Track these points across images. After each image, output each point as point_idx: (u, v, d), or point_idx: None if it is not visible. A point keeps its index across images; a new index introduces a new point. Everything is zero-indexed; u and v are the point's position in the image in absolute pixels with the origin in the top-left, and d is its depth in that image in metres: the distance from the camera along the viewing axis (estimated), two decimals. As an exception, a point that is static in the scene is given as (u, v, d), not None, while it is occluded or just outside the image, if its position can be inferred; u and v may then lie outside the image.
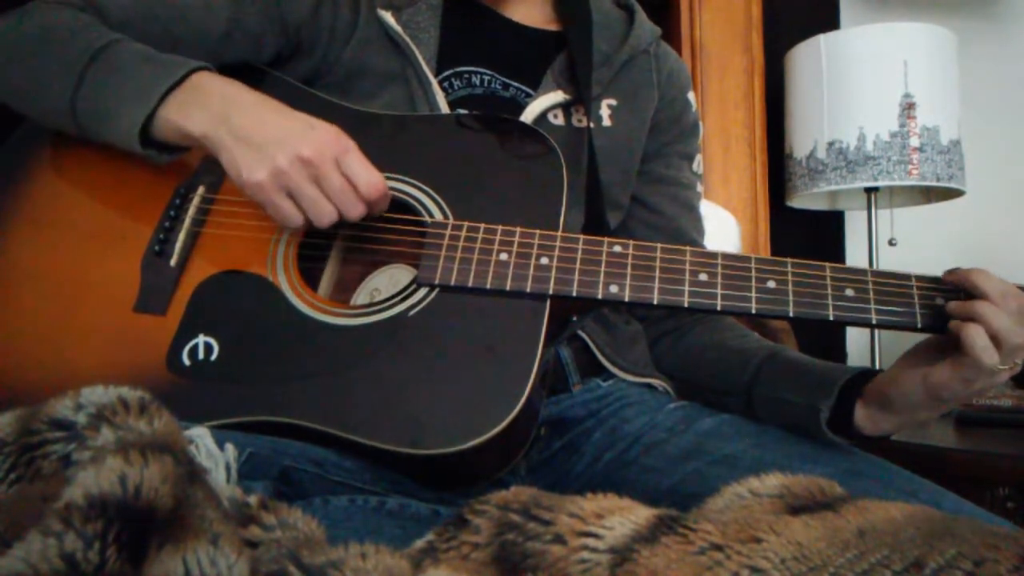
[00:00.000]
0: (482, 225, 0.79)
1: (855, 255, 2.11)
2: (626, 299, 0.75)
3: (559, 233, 0.78)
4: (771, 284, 0.75)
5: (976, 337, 0.68)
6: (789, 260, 0.75)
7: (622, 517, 0.50)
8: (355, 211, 0.78)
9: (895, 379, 0.76)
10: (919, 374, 0.73)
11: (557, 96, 0.95)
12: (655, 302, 0.75)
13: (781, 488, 0.57)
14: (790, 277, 0.75)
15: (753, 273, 0.75)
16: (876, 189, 1.80)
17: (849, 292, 0.74)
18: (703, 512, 0.56)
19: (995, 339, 0.68)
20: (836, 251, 2.13)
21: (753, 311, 0.74)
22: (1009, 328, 0.68)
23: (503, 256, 0.77)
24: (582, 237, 0.78)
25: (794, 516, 0.52)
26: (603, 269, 0.76)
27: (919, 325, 0.73)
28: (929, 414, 0.76)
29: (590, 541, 0.49)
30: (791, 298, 0.74)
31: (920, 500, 0.72)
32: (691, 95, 1.09)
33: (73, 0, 0.88)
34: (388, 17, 0.95)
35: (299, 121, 0.78)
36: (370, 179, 0.77)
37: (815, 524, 0.50)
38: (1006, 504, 1.25)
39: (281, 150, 0.75)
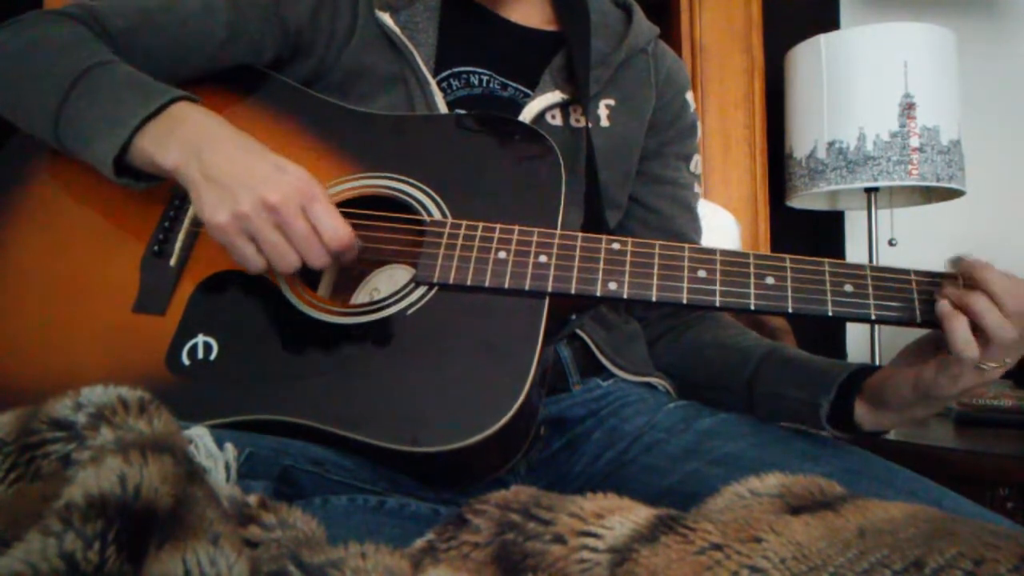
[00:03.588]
0: (480, 223, 0.79)
1: (855, 255, 2.11)
2: (625, 296, 0.75)
3: (557, 231, 0.78)
4: (770, 280, 0.75)
5: (958, 330, 0.67)
6: (788, 256, 0.75)
7: (622, 517, 0.50)
8: (319, 260, 0.76)
9: (890, 377, 0.76)
10: (911, 373, 0.73)
11: (555, 96, 0.95)
12: (654, 299, 0.75)
13: (781, 488, 0.57)
14: (789, 273, 0.75)
15: (752, 269, 0.75)
16: (876, 189, 1.80)
17: (848, 288, 0.74)
18: (703, 512, 0.56)
19: (985, 334, 0.67)
20: (836, 251, 2.13)
21: (752, 307, 0.74)
22: (999, 324, 0.66)
23: (501, 254, 0.77)
24: (580, 235, 0.78)
25: (794, 516, 0.52)
26: (602, 267, 0.76)
27: (918, 320, 0.73)
28: (925, 412, 0.76)
29: (590, 541, 0.49)
30: (790, 294, 0.74)
31: (920, 499, 0.72)
32: (689, 95, 1.09)
33: (73, 11, 0.88)
34: (386, 18, 0.95)
35: (269, 163, 0.76)
36: (336, 229, 0.75)
37: (815, 524, 0.50)
38: (1006, 504, 1.25)
39: (246, 193, 0.73)
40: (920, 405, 0.74)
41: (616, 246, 0.77)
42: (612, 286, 0.76)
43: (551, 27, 1.03)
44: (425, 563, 0.49)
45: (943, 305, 0.69)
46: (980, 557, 0.45)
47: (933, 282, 0.73)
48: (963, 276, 0.70)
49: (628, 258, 0.77)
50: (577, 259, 0.77)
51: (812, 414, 0.80)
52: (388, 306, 0.77)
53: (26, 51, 0.85)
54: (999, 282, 0.68)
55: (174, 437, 0.49)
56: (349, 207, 0.81)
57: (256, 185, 0.74)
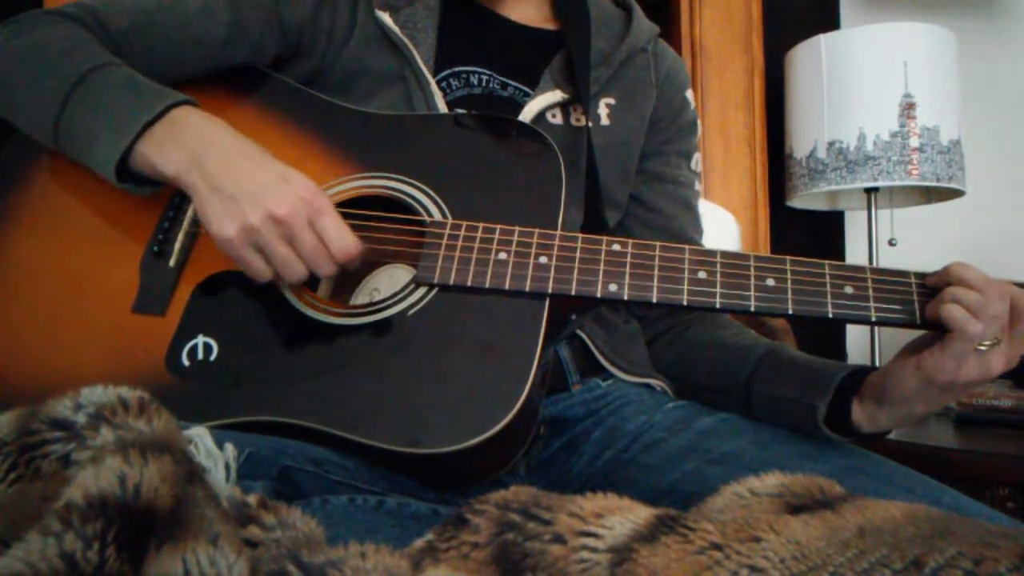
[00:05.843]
0: (481, 224, 0.79)
1: (855, 255, 2.11)
2: (625, 297, 0.75)
3: (558, 232, 0.78)
4: (770, 282, 0.75)
5: (955, 310, 0.70)
6: (788, 258, 0.75)
7: (622, 517, 0.50)
8: (327, 270, 0.76)
9: (890, 371, 0.76)
10: (912, 362, 0.73)
11: (555, 95, 0.95)
12: (654, 300, 0.75)
13: (780, 487, 0.57)
14: (789, 275, 0.75)
15: (752, 271, 0.75)
16: (876, 189, 1.80)
17: (848, 289, 0.74)
18: (702, 511, 0.56)
19: (971, 312, 0.70)
20: (836, 251, 2.13)
21: (752, 309, 0.74)
22: (979, 301, 0.70)
23: (502, 255, 0.77)
24: (581, 236, 0.78)
25: (793, 515, 0.52)
26: (602, 268, 0.76)
27: (918, 321, 0.73)
28: (925, 407, 0.75)
29: (590, 541, 0.49)
30: (790, 296, 0.74)
31: (919, 497, 0.73)
32: (689, 93, 1.09)
33: (74, 12, 0.88)
34: (386, 18, 0.95)
35: (274, 174, 0.76)
36: (344, 241, 0.76)
37: (814, 523, 0.50)
38: (1006, 504, 1.25)
39: (253, 206, 0.73)
40: (922, 397, 0.74)
41: (616, 247, 0.77)
42: (612, 287, 0.76)
43: (551, 26, 1.03)
44: (425, 563, 0.49)
45: (936, 302, 0.72)
46: (980, 556, 0.45)
47: (926, 284, 0.74)
48: (943, 281, 0.74)
49: (628, 259, 0.77)
50: (577, 260, 0.77)
51: (809, 416, 0.80)
52: (388, 307, 0.77)
53: (25, 54, 0.84)
54: (969, 274, 0.72)
55: (174, 437, 0.49)
56: (349, 207, 0.81)
57: (262, 197, 0.74)
